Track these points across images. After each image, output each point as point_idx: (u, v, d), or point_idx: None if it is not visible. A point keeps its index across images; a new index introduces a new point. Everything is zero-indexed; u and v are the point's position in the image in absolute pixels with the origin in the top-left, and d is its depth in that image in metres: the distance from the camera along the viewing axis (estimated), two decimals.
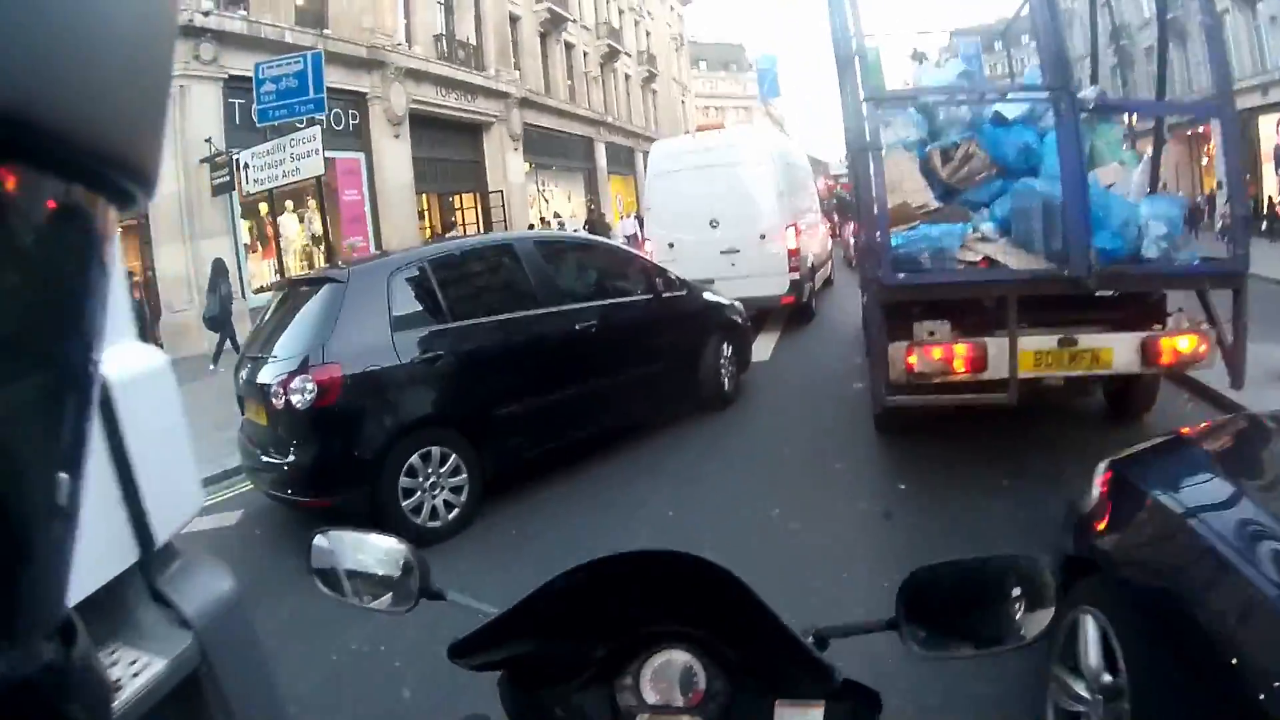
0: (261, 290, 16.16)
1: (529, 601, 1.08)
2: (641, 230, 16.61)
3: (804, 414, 7.47)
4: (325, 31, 19.69)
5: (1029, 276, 4.96)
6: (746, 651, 1.17)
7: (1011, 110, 6.01)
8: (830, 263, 16.83)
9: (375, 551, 1.35)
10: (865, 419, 6.64)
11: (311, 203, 17.56)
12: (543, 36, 31.86)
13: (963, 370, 4.96)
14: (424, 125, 23.46)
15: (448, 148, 25.64)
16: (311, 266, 18.57)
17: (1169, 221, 5.15)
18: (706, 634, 1.17)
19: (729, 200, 11.37)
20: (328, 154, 14.68)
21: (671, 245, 11.58)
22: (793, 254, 11.32)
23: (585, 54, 35.80)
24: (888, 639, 1.15)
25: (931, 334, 5.05)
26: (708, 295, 7.95)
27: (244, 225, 17.93)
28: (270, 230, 18.20)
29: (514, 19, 29.48)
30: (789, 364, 9.79)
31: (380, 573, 1.32)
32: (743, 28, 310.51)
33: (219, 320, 13.40)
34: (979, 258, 5.19)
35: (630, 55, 41.44)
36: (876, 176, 5.09)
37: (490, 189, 27.23)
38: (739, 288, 10.77)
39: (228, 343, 13.03)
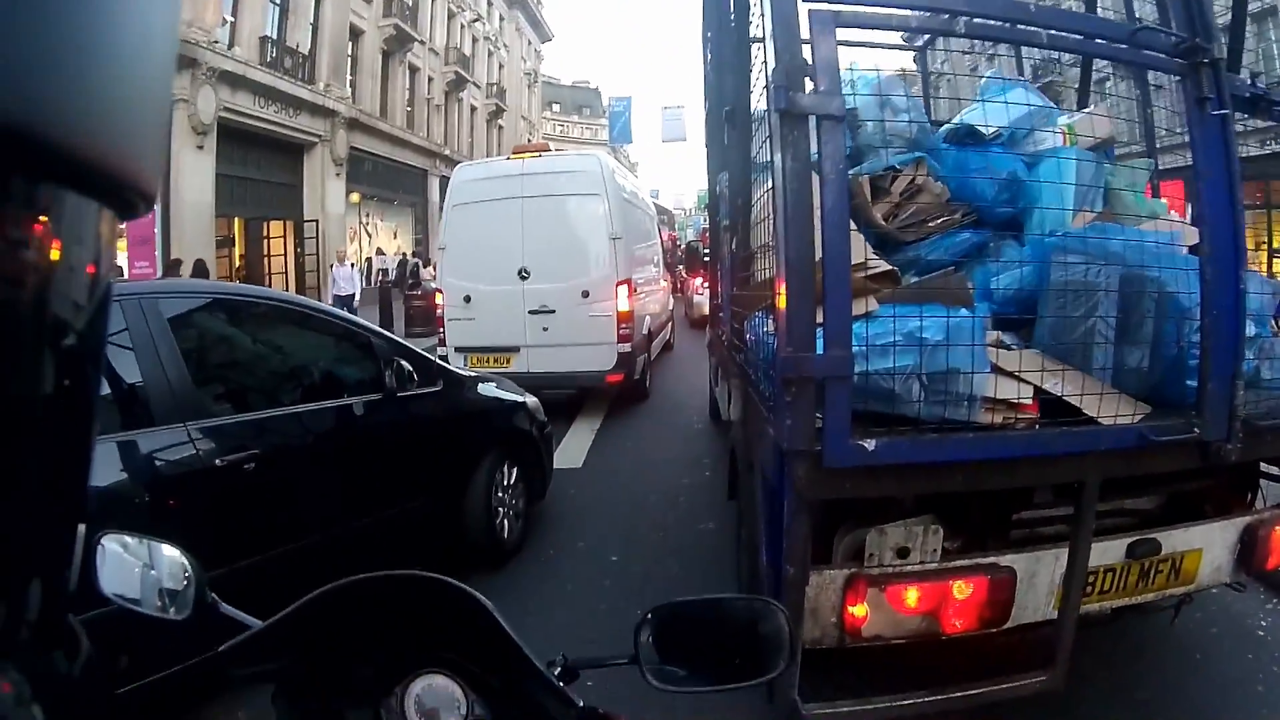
0: None
1: (292, 614, 1.17)
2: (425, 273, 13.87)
3: (627, 578, 4.75)
4: None
5: (1136, 442, 2.51)
6: (506, 678, 1.20)
7: (987, 118, 3.71)
8: (671, 324, 14.35)
9: (159, 557, 1.39)
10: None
11: None
12: (385, 55, 28.99)
13: (964, 625, 2.56)
14: (235, 139, 20.24)
15: (261, 167, 22.37)
16: None
17: (1258, 317, 2.99)
18: (466, 659, 1.20)
19: (546, 243, 8.77)
20: None
21: (468, 299, 8.97)
22: (624, 319, 8.80)
23: (430, 79, 32.96)
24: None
25: (903, 552, 2.59)
26: (484, 389, 5.23)
27: None
28: None
29: (356, 32, 26.68)
30: (610, 475, 6.99)
31: (163, 579, 1.37)
32: (602, 73, 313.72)
33: None
34: (1027, 396, 2.64)
35: (479, 86, 38.90)
36: (792, 194, 2.26)
37: (306, 218, 23.85)
38: (552, 359, 8.61)
39: None
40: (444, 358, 8.93)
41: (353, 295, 17.43)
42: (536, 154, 9.53)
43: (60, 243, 0.36)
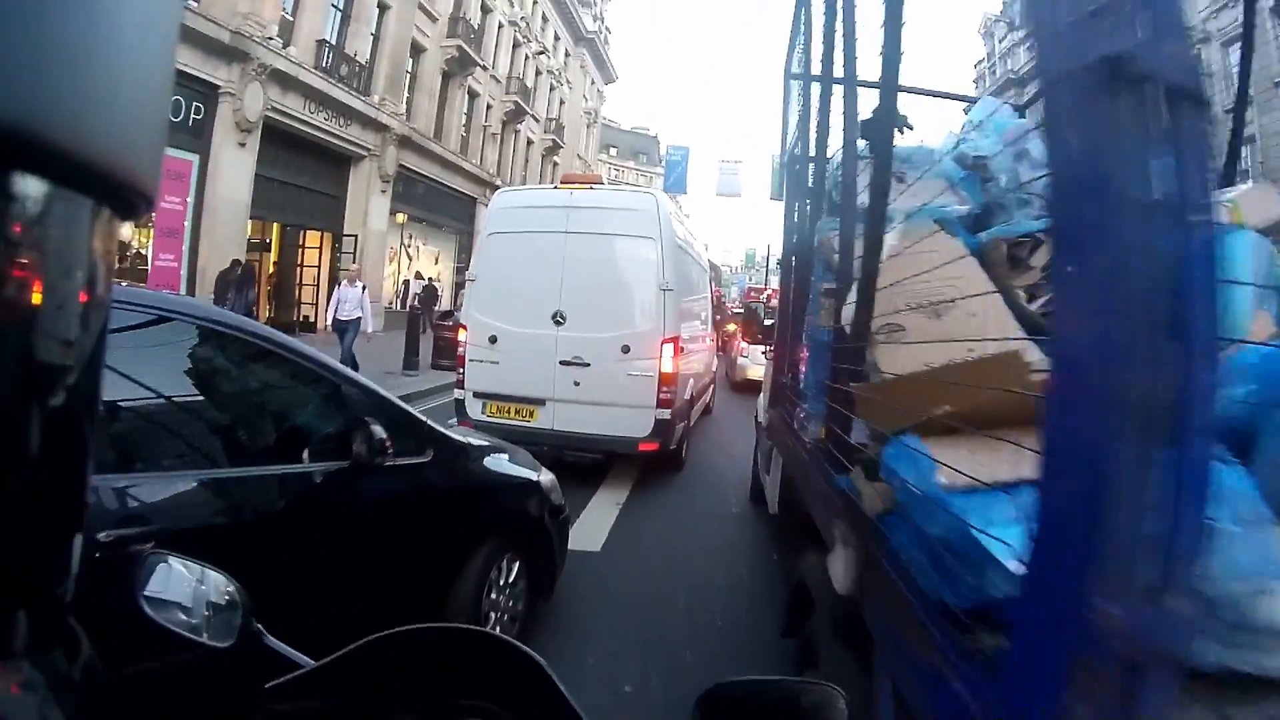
0: None
1: (343, 658, 1.12)
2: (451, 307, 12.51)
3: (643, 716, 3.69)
4: (191, 3, 16.04)
5: None
6: None
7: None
8: (713, 387, 13.20)
9: (208, 581, 1.40)
10: None
11: None
12: (445, 76, 28.69)
13: None
14: (279, 141, 19.75)
15: (304, 174, 21.77)
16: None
17: None
18: (512, 715, 1.18)
19: (588, 287, 7.74)
20: None
21: (494, 340, 7.92)
22: (666, 382, 7.68)
23: (489, 106, 32.76)
24: None
25: None
26: (491, 462, 4.19)
27: None
28: None
29: (417, 49, 26.38)
30: (633, 566, 5.84)
31: (211, 603, 1.38)
32: (661, 122, 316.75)
33: None
34: None
35: (537, 119, 38.76)
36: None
37: (346, 231, 23.20)
38: (581, 418, 7.50)
39: None
40: (461, 401, 7.97)
41: (357, 321, 13.53)
42: (587, 186, 8.46)
43: (59, 242, 0.36)
